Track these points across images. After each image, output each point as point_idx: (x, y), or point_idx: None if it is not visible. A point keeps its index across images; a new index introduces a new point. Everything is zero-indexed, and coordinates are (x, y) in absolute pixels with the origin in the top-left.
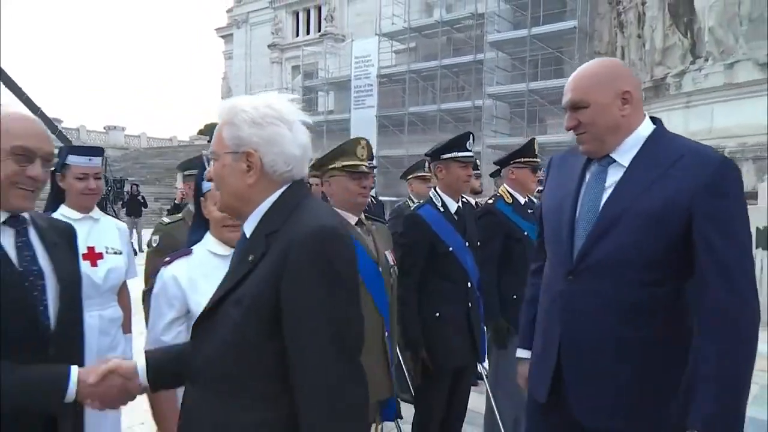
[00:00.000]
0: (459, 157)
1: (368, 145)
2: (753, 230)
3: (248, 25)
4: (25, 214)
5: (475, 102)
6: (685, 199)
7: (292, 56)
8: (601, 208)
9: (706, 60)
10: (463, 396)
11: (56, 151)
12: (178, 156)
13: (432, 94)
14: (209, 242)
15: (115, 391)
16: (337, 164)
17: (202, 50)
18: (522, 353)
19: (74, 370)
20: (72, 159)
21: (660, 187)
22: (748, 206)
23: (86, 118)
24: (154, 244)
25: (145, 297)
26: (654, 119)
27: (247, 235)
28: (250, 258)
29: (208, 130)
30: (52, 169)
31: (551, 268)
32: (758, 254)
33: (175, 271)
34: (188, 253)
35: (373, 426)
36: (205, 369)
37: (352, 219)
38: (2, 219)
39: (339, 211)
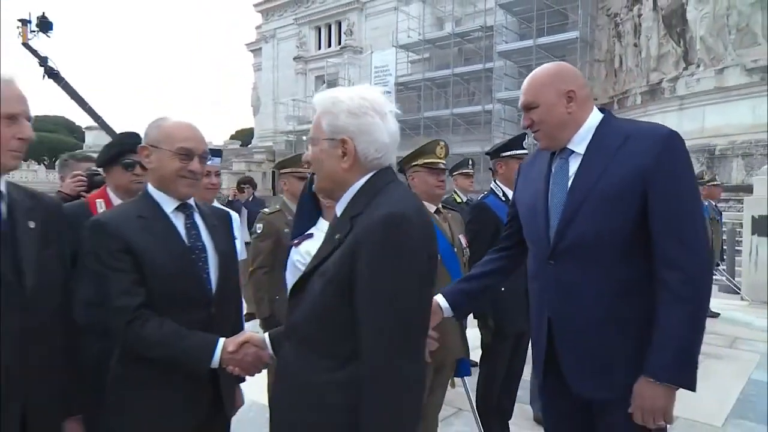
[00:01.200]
0: (517, 154)
1: (446, 146)
2: (749, 219)
3: (275, 39)
4: (192, 202)
5: (485, 106)
6: (638, 175)
7: (315, 67)
8: (566, 194)
9: (698, 66)
10: (521, 356)
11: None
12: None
13: (445, 99)
14: (323, 225)
15: (251, 359)
16: (419, 161)
17: (233, 64)
18: (440, 300)
19: (221, 340)
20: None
21: (614, 167)
22: (744, 198)
23: (137, 123)
24: (258, 231)
25: (250, 275)
26: (602, 110)
27: (338, 216)
28: (337, 237)
29: (240, 136)
30: None
31: (534, 258)
32: (755, 240)
33: (304, 247)
34: (310, 235)
35: (450, 381)
36: (294, 332)
37: (432, 208)
38: (174, 206)
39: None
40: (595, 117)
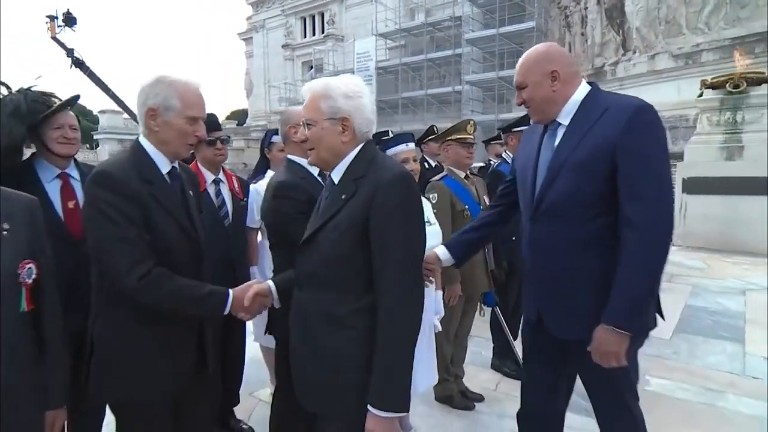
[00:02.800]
0: (524, 129)
1: (474, 125)
2: (680, 180)
3: (265, 29)
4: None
5: (455, 87)
6: (609, 142)
7: (302, 54)
8: (548, 162)
9: (634, 52)
10: None
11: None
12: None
13: (420, 81)
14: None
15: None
16: (453, 137)
17: (226, 52)
18: (440, 250)
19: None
20: (275, 138)
21: (591, 137)
22: (676, 164)
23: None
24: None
25: None
26: (591, 83)
27: (336, 181)
28: (343, 197)
29: (235, 116)
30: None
31: (523, 216)
32: (684, 197)
33: None
34: None
35: (479, 311)
36: (312, 276)
37: (462, 174)
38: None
39: (453, 168)
40: (581, 91)
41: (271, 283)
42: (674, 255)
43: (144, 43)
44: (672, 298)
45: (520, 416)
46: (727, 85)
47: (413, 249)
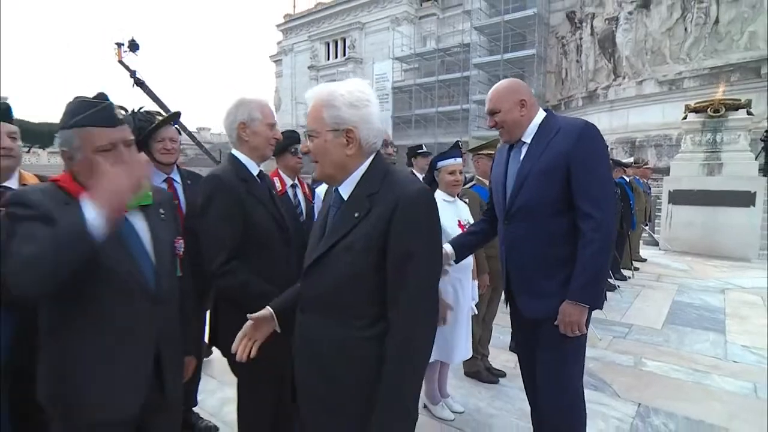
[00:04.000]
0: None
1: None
2: (666, 192)
3: (293, 53)
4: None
5: (463, 106)
6: (563, 155)
7: (325, 74)
8: (516, 173)
9: (624, 78)
10: None
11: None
12: None
13: (431, 100)
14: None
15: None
16: (484, 151)
17: (258, 72)
18: (448, 249)
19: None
20: (440, 163)
21: (549, 151)
22: (663, 178)
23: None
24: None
25: None
26: (546, 110)
27: (344, 197)
28: (356, 215)
29: None
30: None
31: (498, 219)
32: (670, 207)
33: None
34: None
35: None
36: (320, 299)
37: (487, 182)
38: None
39: (480, 178)
40: (539, 116)
41: (269, 309)
42: (661, 258)
43: (191, 64)
44: (661, 295)
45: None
46: (708, 109)
47: (435, 268)
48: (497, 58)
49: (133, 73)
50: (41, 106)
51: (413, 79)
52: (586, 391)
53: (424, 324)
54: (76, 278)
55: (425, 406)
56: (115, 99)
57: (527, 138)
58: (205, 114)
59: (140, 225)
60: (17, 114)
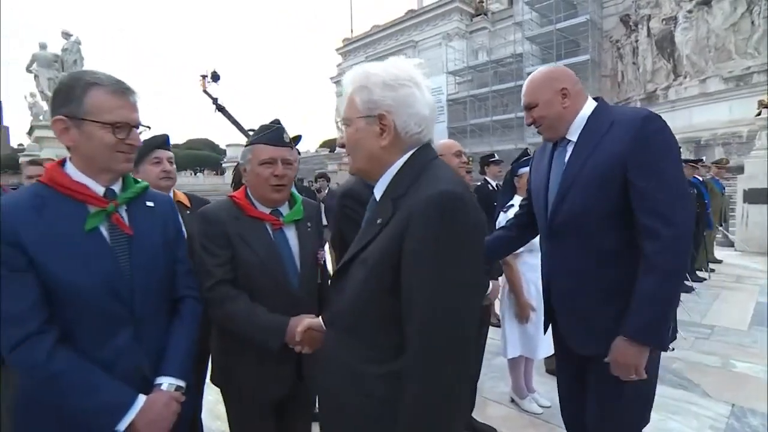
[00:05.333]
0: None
1: None
2: (741, 191)
3: None
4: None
5: (517, 114)
6: (618, 156)
7: None
8: (560, 178)
9: (685, 77)
10: None
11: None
12: (311, 162)
13: (485, 110)
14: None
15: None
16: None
17: (318, 93)
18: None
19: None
20: (522, 170)
21: (599, 151)
22: (736, 177)
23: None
24: None
25: None
26: (597, 99)
27: (377, 198)
28: (378, 221)
29: (327, 145)
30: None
31: (540, 234)
32: (746, 207)
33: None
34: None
35: None
36: (335, 317)
37: None
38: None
39: None
40: (588, 107)
41: (321, 319)
42: (738, 259)
43: (263, 90)
44: (743, 296)
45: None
46: None
47: (459, 299)
48: (551, 65)
49: (215, 100)
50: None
51: (467, 91)
52: (672, 390)
53: (452, 370)
54: (238, 279)
55: (513, 401)
56: (201, 124)
57: (573, 135)
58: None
59: (291, 235)
60: None
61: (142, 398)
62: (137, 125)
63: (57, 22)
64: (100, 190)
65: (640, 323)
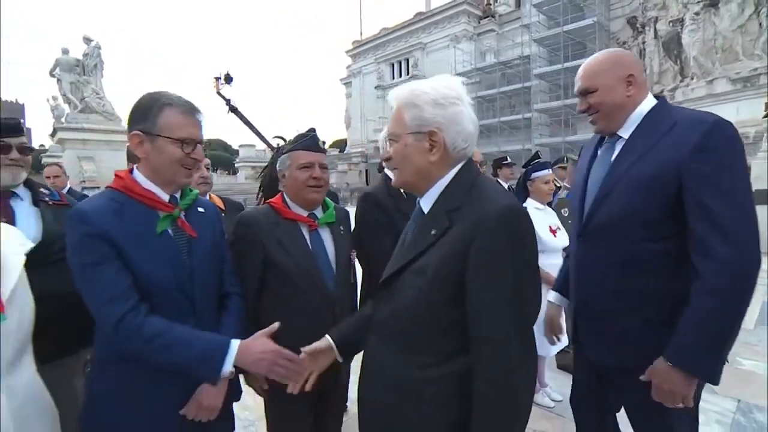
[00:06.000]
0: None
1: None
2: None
3: (361, 75)
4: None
5: (525, 115)
6: (675, 162)
7: None
8: (602, 178)
9: (692, 79)
10: None
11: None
12: None
13: (492, 111)
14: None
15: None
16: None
17: (329, 95)
18: (551, 296)
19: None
20: (535, 174)
21: (654, 153)
22: None
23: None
24: None
25: None
26: (657, 96)
27: (425, 211)
28: (433, 232)
29: (337, 145)
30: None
31: (572, 232)
32: (757, 208)
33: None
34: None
35: None
36: (386, 325)
37: None
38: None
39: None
40: (647, 103)
41: (328, 338)
42: None
43: (276, 90)
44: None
45: None
46: None
47: (526, 308)
48: (558, 67)
49: (228, 102)
50: None
51: (475, 92)
52: None
53: (523, 371)
54: (277, 280)
55: None
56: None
57: (625, 132)
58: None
59: (326, 237)
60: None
61: (236, 342)
62: (201, 142)
63: (57, 22)
64: (165, 196)
65: (687, 349)
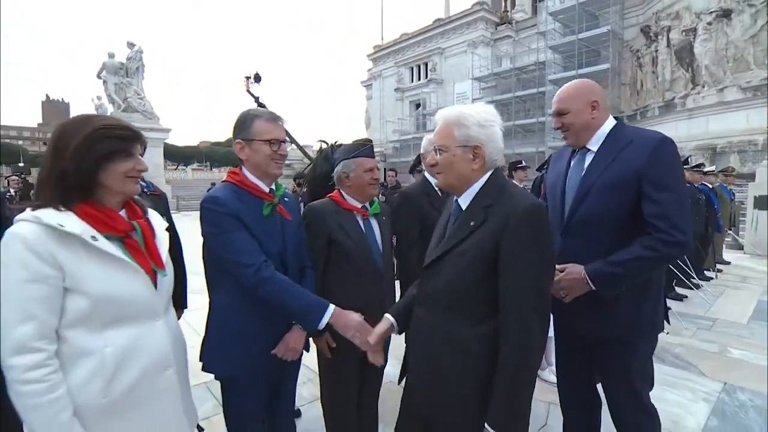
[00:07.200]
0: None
1: None
2: (751, 197)
3: (381, 78)
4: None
5: (539, 119)
6: (633, 170)
7: (410, 95)
8: (579, 183)
9: (703, 86)
10: None
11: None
12: None
13: (507, 114)
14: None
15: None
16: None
17: (348, 97)
18: None
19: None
20: None
21: (617, 164)
22: (747, 184)
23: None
24: None
25: None
26: (616, 118)
27: (463, 207)
28: (471, 224)
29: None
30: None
31: (553, 229)
32: (755, 213)
33: None
34: None
35: None
36: (433, 297)
37: None
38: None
39: None
40: (609, 124)
41: (390, 317)
42: (747, 261)
43: (301, 91)
44: (746, 294)
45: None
46: None
47: (544, 285)
48: (572, 73)
49: (256, 99)
50: (185, 134)
51: (491, 96)
52: (672, 369)
53: (538, 333)
54: (339, 258)
55: None
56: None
57: (593, 146)
58: (312, 134)
59: (375, 225)
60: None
61: (332, 306)
62: (284, 141)
63: (56, 22)
64: (266, 188)
65: (606, 270)
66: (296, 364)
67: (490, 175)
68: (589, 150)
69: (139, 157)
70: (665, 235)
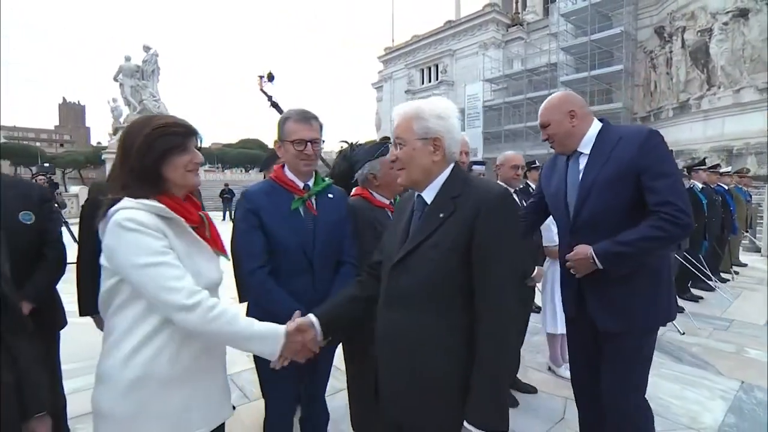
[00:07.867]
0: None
1: None
2: (767, 200)
3: (392, 79)
4: None
5: None
6: (627, 165)
7: (420, 97)
8: (579, 183)
9: (719, 87)
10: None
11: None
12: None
13: (519, 116)
14: None
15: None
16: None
17: (359, 99)
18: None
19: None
20: None
21: (611, 160)
22: (765, 185)
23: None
24: None
25: None
26: (601, 119)
27: (428, 201)
28: (441, 215)
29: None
30: None
31: (561, 229)
32: None
33: None
34: None
35: None
36: (408, 294)
37: None
38: None
39: None
40: (595, 127)
41: (312, 317)
42: (763, 263)
43: (302, 91)
44: (763, 296)
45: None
46: None
47: (515, 268)
48: (584, 75)
49: (269, 98)
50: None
51: (502, 98)
52: (690, 368)
53: (512, 316)
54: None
55: (549, 368)
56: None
57: (585, 149)
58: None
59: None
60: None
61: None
62: (313, 141)
63: (56, 22)
64: (301, 184)
65: (613, 252)
66: (326, 367)
67: (453, 168)
68: (582, 153)
69: (195, 150)
70: (671, 218)
